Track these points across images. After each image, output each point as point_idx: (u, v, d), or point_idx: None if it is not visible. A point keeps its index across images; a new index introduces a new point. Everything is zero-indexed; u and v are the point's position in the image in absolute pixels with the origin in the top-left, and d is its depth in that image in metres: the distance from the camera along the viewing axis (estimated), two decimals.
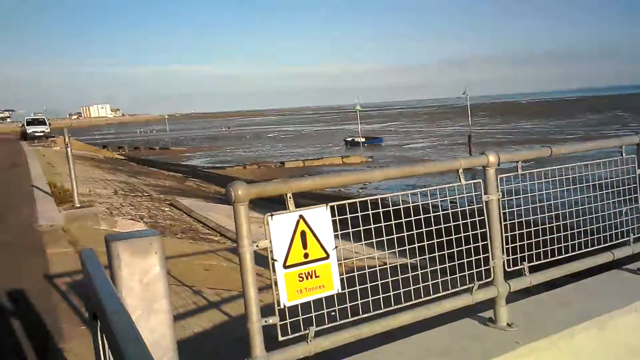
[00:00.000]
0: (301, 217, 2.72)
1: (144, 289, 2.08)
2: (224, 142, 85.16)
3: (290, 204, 2.70)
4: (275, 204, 2.81)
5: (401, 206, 3.24)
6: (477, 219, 3.53)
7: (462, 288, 3.50)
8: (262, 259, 2.80)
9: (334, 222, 2.84)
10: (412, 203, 3.32)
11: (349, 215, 2.87)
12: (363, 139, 63.99)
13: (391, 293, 3.15)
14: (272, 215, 2.69)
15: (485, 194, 3.54)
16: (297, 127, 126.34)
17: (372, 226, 3.01)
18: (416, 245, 3.31)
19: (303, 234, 2.73)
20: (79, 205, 10.87)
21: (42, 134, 48.91)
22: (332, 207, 2.83)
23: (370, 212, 2.93)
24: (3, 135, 66.19)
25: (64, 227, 9.50)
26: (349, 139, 68.06)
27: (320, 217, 2.78)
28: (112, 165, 34.19)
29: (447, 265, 3.42)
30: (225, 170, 45.23)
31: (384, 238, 3.14)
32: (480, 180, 3.58)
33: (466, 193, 3.54)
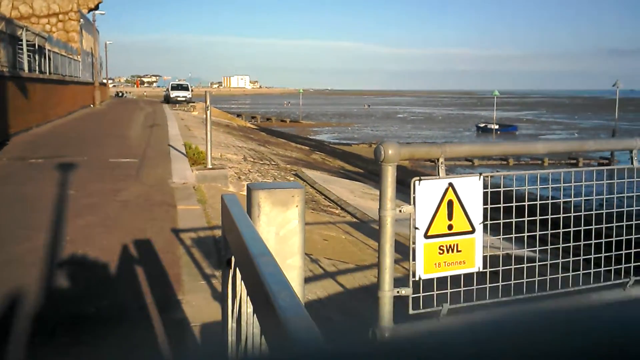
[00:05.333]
0: (451, 185, 2.36)
1: (279, 241, 1.93)
2: (352, 120, 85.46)
3: (442, 169, 2.35)
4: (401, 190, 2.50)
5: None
6: None
7: (614, 282, 3.05)
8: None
9: (484, 194, 2.46)
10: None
11: (502, 189, 2.48)
12: (496, 126, 61.34)
13: (536, 279, 2.77)
14: (419, 179, 2.37)
15: None
16: (428, 110, 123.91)
17: (527, 203, 2.60)
18: (572, 230, 2.87)
19: (450, 203, 2.36)
20: (210, 167, 11.18)
21: (183, 98, 51.66)
22: (485, 178, 2.45)
23: (527, 187, 2.51)
24: (149, 98, 71.15)
25: (195, 186, 9.77)
26: (482, 125, 65.53)
27: (471, 188, 2.40)
28: (243, 134, 35.42)
29: (603, 255, 2.99)
30: (350, 147, 45.32)
31: (537, 218, 2.71)
32: None
33: (636, 177, 3.02)
